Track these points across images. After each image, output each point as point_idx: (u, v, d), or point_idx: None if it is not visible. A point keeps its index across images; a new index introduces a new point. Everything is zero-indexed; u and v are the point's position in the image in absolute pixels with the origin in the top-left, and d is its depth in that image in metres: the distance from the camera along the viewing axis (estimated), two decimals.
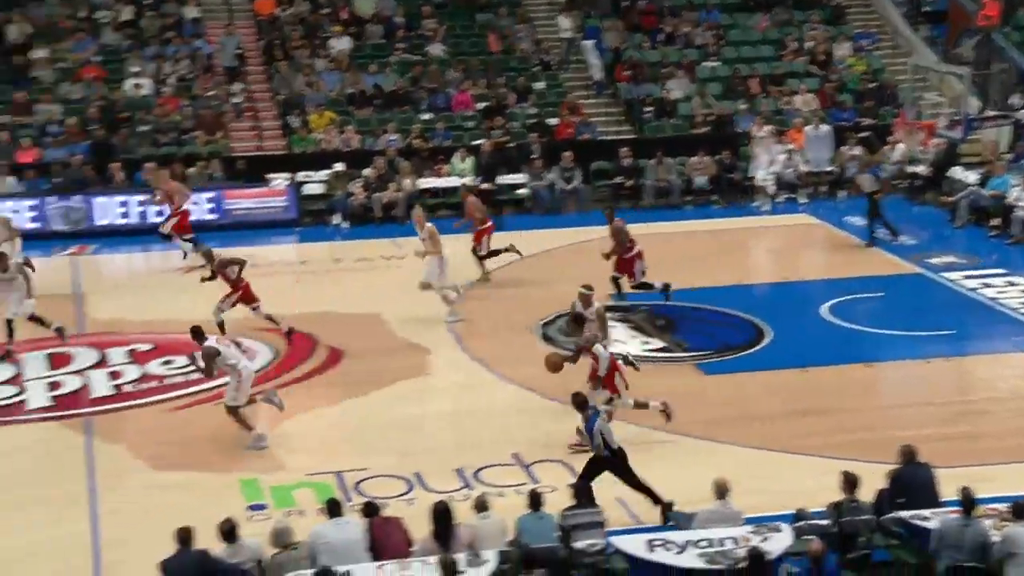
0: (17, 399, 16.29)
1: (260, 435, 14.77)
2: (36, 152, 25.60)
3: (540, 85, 29.50)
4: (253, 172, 25.94)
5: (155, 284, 21.66)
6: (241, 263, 18.17)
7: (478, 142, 27.13)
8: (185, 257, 22.33)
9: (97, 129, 26.25)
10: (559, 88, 29.76)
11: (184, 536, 10.23)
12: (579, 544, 10.89)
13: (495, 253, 21.27)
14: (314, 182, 26.21)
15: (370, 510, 11.22)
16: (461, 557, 10.24)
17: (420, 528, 11.11)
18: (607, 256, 19.49)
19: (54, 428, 15.47)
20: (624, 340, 18.07)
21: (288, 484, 13.55)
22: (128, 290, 21.28)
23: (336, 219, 25.59)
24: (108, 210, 24.77)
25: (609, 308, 19.50)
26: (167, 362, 17.50)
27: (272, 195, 25.60)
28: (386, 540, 10.84)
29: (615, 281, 19.49)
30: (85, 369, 17.21)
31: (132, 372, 17.19)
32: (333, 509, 11.09)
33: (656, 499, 12.61)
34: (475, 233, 21.17)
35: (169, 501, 13.09)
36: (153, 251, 23.39)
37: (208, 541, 10.50)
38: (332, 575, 9.89)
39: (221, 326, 17.59)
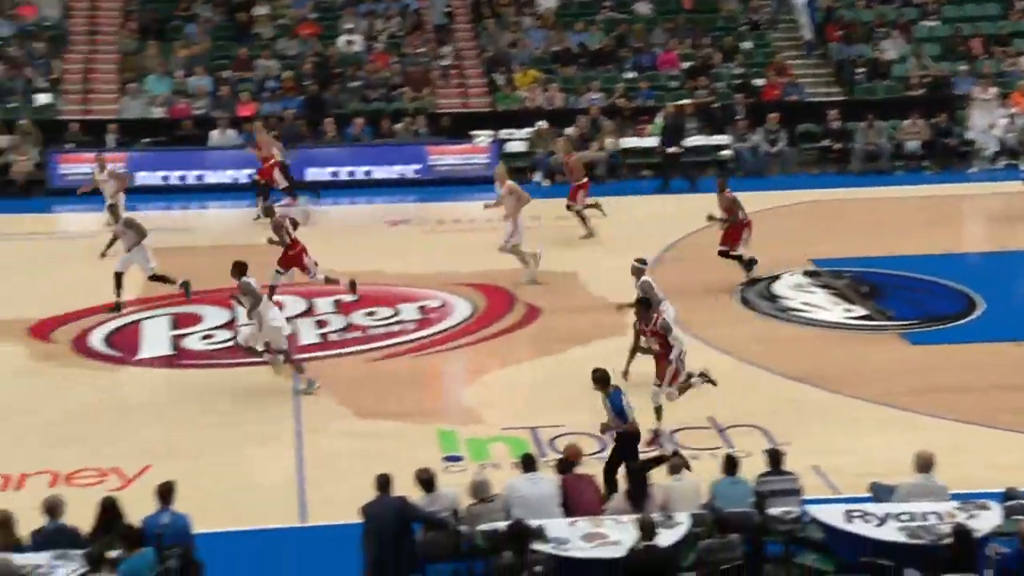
0: (233, 343, 16.98)
1: (311, 380, 15.08)
2: (254, 106, 26.52)
3: (747, 45, 28.93)
4: (457, 129, 26.30)
5: (360, 235, 22.20)
6: (294, 225, 17.84)
7: (683, 102, 26.83)
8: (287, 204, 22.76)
9: (311, 84, 27.01)
10: (767, 48, 29.12)
11: (383, 482, 10.51)
12: (774, 511, 10.74)
13: (588, 208, 21.52)
14: (516, 140, 26.40)
15: (564, 467, 11.30)
16: (654, 518, 10.22)
17: None
18: (712, 219, 18.97)
19: (264, 372, 16.07)
20: (826, 307, 17.67)
21: (484, 437, 13.77)
22: (336, 241, 21.85)
23: (537, 177, 25.72)
24: (320, 162, 25.50)
25: (809, 274, 19.13)
26: (370, 313, 17.96)
27: (475, 152, 25.90)
28: (579, 497, 10.91)
29: (724, 255, 18.77)
30: (294, 317, 17.80)
31: (337, 322, 17.70)
32: (528, 464, 11.22)
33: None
34: (571, 189, 21.36)
35: (369, 448, 13.46)
36: (360, 203, 23.96)
37: (406, 489, 10.77)
38: (526, 528, 10.00)
39: (271, 290, 17.38)
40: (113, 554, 9.70)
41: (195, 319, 17.72)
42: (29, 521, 10.34)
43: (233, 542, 11.43)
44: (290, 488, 12.78)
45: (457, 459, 13.27)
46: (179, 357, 16.51)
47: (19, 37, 27.32)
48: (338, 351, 16.73)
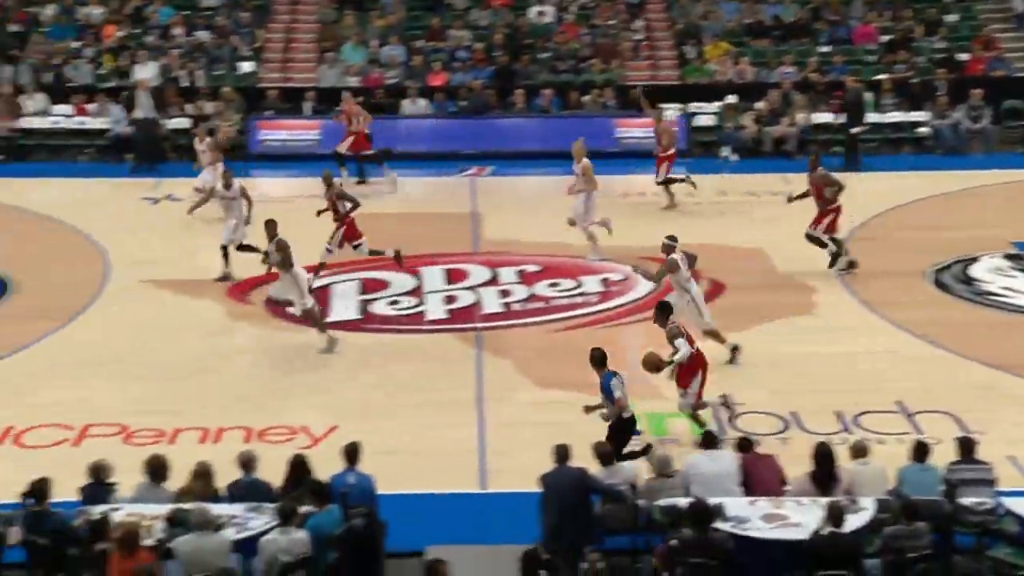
0: (417, 310, 17.32)
1: (334, 339, 15.38)
2: (445, 76, 26.87)
3: (952, 18, 27.88)
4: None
5: (545, 207, 22.29)
6: (355, 203, 17.59)
7: (879, 77, 26.04)
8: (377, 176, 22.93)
9: (501, 55, 27.21)
10: (973, 21, 28.01)
11: (563, 453, 10.57)
12: (965, 501, 10.40)
13: (671, 181, 21.39)
14: (705, 113, 26.08)
15: (744, 445, 11.18)
16: (841, 503, 10.02)
17: (792, 468, 10.97)
18: (794, 198, 18.33)
19: (448, 339, 16.35)
20: None
21: (664, 412, 13.70)
22: (520, 212, 22.02)
23: (725, 151, 25.38)
24: (507, 133, 25.70)
25: (1010, 257, 18.40)
26: (553, 284, 18.05)
27: None
28: (759, 476, 10.78)
29: (813, 240, 17.95)
30: (478, 286, 18.03)
31: (520, 292, 17.85)
32: (708, 441, 11.14)
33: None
34: (657, 159, 21.29)
35: (550, 418, 13.53)
36: (546, 175, 24.04)
37: (584, 460, 10.82)
38: (707, 507, 9.91)
39: (320, 266, 17.54)
40: (302, 509, 10.05)
41: (382, 285, 18.12)
42: (225, 473, 10.79)
43: (415, 504, 11.69)
44: (471, 454, 12.99)
45: (636, 433, 13.24)
46: (366, 321, 16.92)
47: (227, 7, 28.29)
48: (521, 321, 16.88)
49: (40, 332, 16.04)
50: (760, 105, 25.61)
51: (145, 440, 12.99)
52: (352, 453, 10.83)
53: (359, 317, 17.03)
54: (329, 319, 16.84)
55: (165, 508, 10.16)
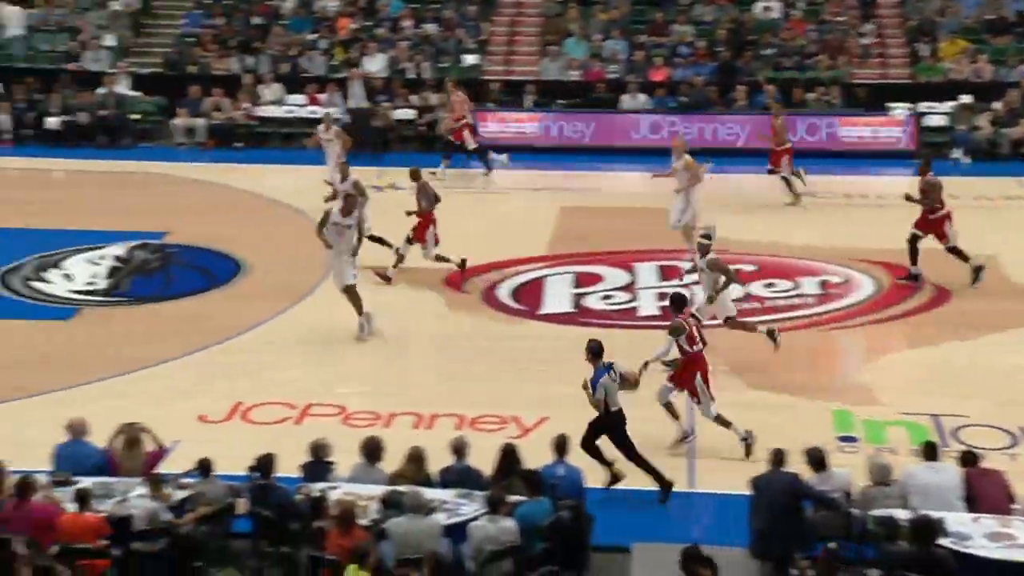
0: (630, 305, 17.30)
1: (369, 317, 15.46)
2: (666, 71, 26.73)
3: None
4: (872, 100, 25.38)
5: (763, 206, 21.94)
6: (433, 200, 17.57)
7: None
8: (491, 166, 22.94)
9: (724, 51, 26.89)
10: None
11: (778, 457, 10.41)
12: None
13: (782, 176, 21.09)
14: (937, 113, 25.16)
15: (968, 459, 10.76)
16: None
17: (1022, 485, 10.51)
18: (908, 198, 17.49)
19: (660, 336, 16.16)
20: None
21: (882, 420, 13.33)
22: (734, 210, 21.68)
23: (956, 153, 24.43)
24: (727, 130, 25.39)
25: None
26: (769, 284, 17.76)
27: (889, 125, 24.93)
28: (984, 492, 10.36)
29: (913, 243, 17.24)
30: (692, 284, 17.86)
31: (735, 291, 17.58)
32: (929, 452, 10.78)
33: (656, 475, 11.67)
34: (774, 153, 21.00)
35: (760, 420, 13.33)
36: (763, 174, 23.65)
37: (792, 464, 10.61)
38: (931, 522, 9.55)
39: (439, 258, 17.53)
40: (510, 499, 10.18)
41: (596, 279, 18.17)
42: (437, 459, 11.04)
43: (622, 500, 11.69)
44: (679, 452, 12.89)
45: (852, 440, 12.93)
46: (579, 315, 17.00)
47: (456, 0, 28.85)
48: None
49: (269, 312, 16.72)
50: (997, 105, 24.54)
51: (362, 422, 13.39)
52: (562, 445, 10.92)
53: (572, 311, 17.12)
54: (542, 311, 17.01)
55: (379, 489, 10.46)
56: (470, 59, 27.43)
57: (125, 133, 25.60)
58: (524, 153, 24.61)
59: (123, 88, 26.18)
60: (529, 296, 17.58)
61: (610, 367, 11.77)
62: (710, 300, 14.60)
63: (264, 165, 24.52)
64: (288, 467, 10.86)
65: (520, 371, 15.10)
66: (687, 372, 12.71)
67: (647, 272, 18.40)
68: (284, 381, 14.53)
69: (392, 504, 10.15)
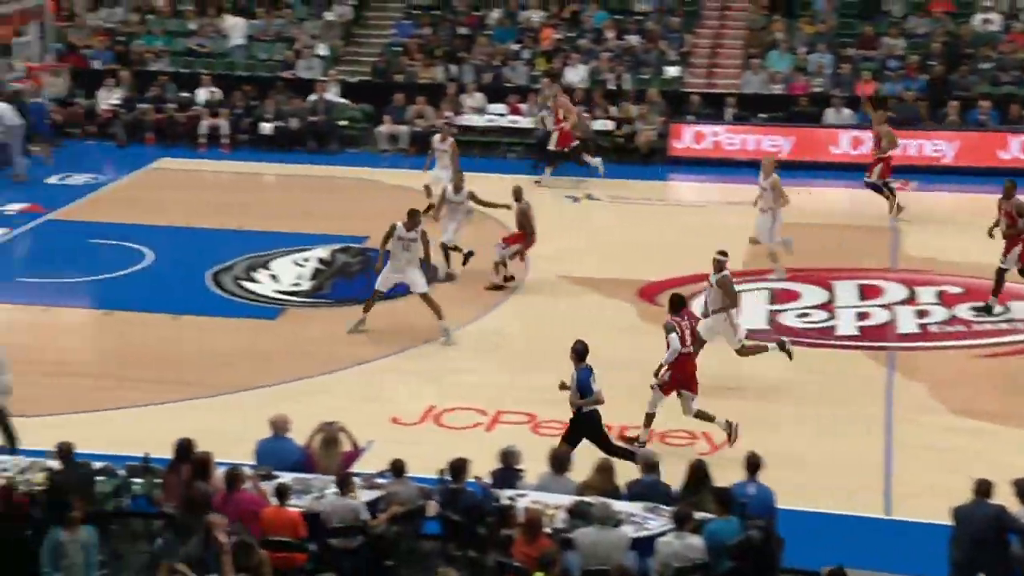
0: (827, 324, 16.93)
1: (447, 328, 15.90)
2: (874, 85, 26.05)
3: None
4: None
5: (970, 226, 21.14)
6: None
7: None
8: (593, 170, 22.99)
9: (937, 65, 26.04)
10: None
11: (984, 488, 10.02)
12: None
13: (885, 187, 20.87)
14: None
15: None
16: None
17: None
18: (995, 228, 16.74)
19: (857, 356, 15.88)
20: None
21: None
22: (944, 230, 20.99)
23: None
24: (936, 146, 24.59)
25: None
26: (976, 308, 17.14)
27: None
28: None
29: (999, 274, 16.54)
30: (893, 304, 17.39)
31: (939, 313, 17.07)
32: None
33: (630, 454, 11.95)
34: (873, 160, 20.97)
35: (963, 446, 12.91)
36: (975, 192, 22.82)
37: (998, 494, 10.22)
38: None
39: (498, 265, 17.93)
40: (698, 516, 10.09)
41: (793, 296, 17.86)
42: (625, 471, 11.02)
43: (815, 523, 11.46)
44: (876, 477, 12.58)
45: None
46: (773, 332, 16.73)
47: (659, 11, 28.76)
48: (938, 343, 16.15)
49: (466, 318, 16.99)
50: None
51: (551, 431, 13.48)
52: (754, 464, 10.77)
53: (766, 327, 16.87)
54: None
55: (567, 499, 10.51)
56: (671, 71, 27.30)
57: (332, 139, 26.42)
58: (720, 167, 24.37)
59: (332, 95, 27.01)
60: None
61: (591, 369, 12.28)
62: (705, 315, 14.43)
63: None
64: (476, 473, 11.01)
65: (708, 386, 14.93)
66: (674, 373, 13.03)
67: (846, 290, 17.99)
68: (477, 386, 14.75)
69: (579, 514, 10.18)
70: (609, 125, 25.90)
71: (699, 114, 25.99)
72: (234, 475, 10.40)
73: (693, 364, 13.27)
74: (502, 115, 26.52)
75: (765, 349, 14.71)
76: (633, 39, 27.90)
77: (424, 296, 16.17)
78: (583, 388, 12.23)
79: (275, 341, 16.47)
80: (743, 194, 22.66)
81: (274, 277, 18.61)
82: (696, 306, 14.89)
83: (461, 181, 18.71)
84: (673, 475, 10.92)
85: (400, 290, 16.47)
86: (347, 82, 27.58)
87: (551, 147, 23.59)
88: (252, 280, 18.58)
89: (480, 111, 26.73)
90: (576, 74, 26.91)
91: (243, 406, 14.17)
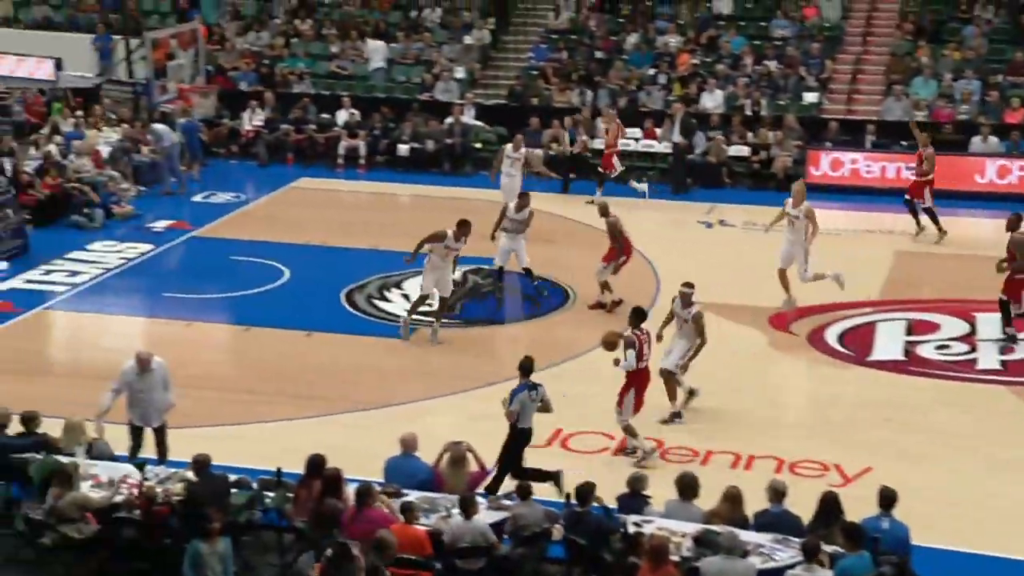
0: (968, 357, 16.46)
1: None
2: (1023, 113, 25.29)
3: None
4: None
5: None
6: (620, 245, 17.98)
7: None
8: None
9: None
10: None
11: None
12: None
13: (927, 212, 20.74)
14: None
15: None
16: None
17: None
18: (1001, 267, 16.17)
19: (1001, 392, 15.40)
20: None
21: None
22: None
23: None
24: None
25: None
26: None
27: None
28: None
29: (1003, 306, 15.98)
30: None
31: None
32: None
33: (543, 475, 12.11)
34: (914, 183, 20.96)
35: None
36: None
37: None
38: None
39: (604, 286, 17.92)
40: (828, 549, 9.88)
41: (932, 327, 17.41)
42: (753, 501, 10.85)
43: (955, 562, 11.13)
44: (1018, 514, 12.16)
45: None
46: (910, 363, 16.33)
47: (799, 37, 28.41)
48: None
49: (594, 342, 16.92)
50: None
51: (679, 458, 13.34)
52: (889, 498, 10.50)
53: (903, 359, 16.47)
54: (871, 357, 16.45)
55: (693, 527, 10.39)
56: (810, 96, 26.92)
57: (467, 161, 26.68)
58: (858, 194, 23.92)
59: (468, 118, 27.28)
60: (858, 341, 17.05)
61: (535, 387, 12.41)
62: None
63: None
64: (604, 498, 10.95)
65: (845, 417, 14.65)
66: (626, 386, 13.26)
67: (989, 324, 17.44)
68: (605, 411, 14.66)
69: (706, 543, 10.06)
70: (745, 151, 25.64)
71: (837, 141, 25.56)
72: (365, 491, 10.52)
73: (646, 380, 13.47)
74: (637, 139, 26.44)
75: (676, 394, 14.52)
76: (771, 64, 27.60)
77: (422, 298, 17.03)
78: (512, 399, 12.38)
79: (404, 360, 16.64)
80: (881, 223, 22.28)
81: (406, 296, 18.83)
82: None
83: (527, 200, 18.70)
84: (802, 507, 10.70)
85: (528, 311, 16.52)
86: (483, 105, 27.84)
87: (600, 169, 24.01)
88: (384, 299, 18.83)
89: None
90: (712, 99, 26.72)
91: (371, 423, 14.35)
